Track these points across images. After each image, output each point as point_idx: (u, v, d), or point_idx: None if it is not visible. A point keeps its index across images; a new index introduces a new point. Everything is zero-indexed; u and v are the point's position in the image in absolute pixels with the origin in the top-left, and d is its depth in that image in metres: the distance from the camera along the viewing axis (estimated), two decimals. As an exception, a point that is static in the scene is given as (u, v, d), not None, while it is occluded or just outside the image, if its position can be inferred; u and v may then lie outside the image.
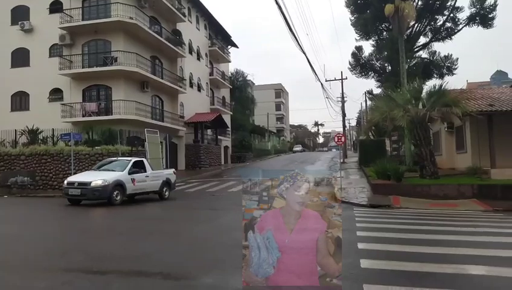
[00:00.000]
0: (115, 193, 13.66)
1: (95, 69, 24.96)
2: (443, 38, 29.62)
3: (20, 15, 26.88)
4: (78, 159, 19.66)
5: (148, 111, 26.63)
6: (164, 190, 15.68)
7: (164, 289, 4.78)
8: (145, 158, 17.21)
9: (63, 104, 24.96)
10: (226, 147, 41.54)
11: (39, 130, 22.94)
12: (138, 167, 14.96)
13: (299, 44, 20.17)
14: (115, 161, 15.68)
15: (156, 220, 11.42)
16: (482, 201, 14.01)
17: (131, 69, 24.42)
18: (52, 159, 20.53)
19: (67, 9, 25.35)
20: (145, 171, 15.13)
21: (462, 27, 28.81)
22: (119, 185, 13.85)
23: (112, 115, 24.33)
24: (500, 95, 19.73)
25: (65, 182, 14.48)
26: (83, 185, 13.64)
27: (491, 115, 17.16)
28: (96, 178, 13.72)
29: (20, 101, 27.01)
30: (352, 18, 31.05)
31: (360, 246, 6.66)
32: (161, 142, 24.95)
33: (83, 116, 24.64)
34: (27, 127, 22.97)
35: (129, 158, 15.94)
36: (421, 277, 4.93)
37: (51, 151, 20.77)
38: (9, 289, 4.91)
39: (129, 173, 14.35)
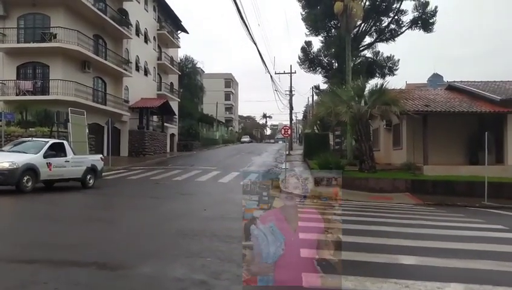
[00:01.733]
0: (25, 178, 11.86)
1: (31, 45, 23.23)
2: (387, 40, 30.93)
3: None
4: (9, 141, 18.20)
5: (89, 93, 25.30)
6: (88, 177, 14.11)
7: (99, 279, 4.52)
8: (67, 141, 15.44)
9: (-7, 80, 23.01)
10: (172, 135, 40.65)
11: (-35, 108, 21.00)
12: (57, 150, 13.26)
13: (250, 34, 20.08)
14: (29, 141, 13.91)
15: (88, 209, 10.84)
16: (414, 195, 14.94)
17: (71, 47, 23.00)
18: (-21, 139, 18.88)
19: (1, -23, 23.29)
20: (66, 156, 13.42)
21: (405, 29, 30.26)
22: (30, 169, 12.06)
23: (48, 94, 22.86)
24: (435, 97, 21.07)
25: None
26: None
27: (426, 115, 18.27)
28: (2, 160, 11.85)
29: None
30: (303, 13, 31.47)
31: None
32: (105, 125, 23.81)
33: (17, 94, 22.93)
34: (-50, 103, 20.95)
35: (46, 139, 14.18)
36: (355, 266, 5.10)
37: (-23, 131, 19.08)
38: None
39: (44, 157, 12.60)
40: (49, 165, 12.66)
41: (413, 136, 19.24)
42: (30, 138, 14.74)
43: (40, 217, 8.84)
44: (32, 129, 19.19)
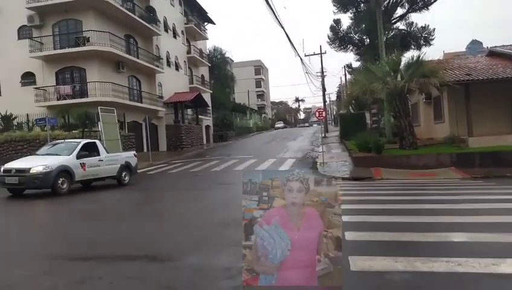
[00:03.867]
0: (60, 180, 11.96)
1: (67, 50, 24.11)
2: (420, 9, 29.62)
3: (-18, -5, 25.53)
4: (55, 144, 19.15)
5: (126, 92, 26.03)
6: (123, 174, 14.22)
7: (150, 272, 4.69)
8: (99, 140, 15.67)
9: (36, 88, 24.15)
10: (207, 126, 41.20)
11: (13, 116, 22.22)
12: (89, 150, 13.37)
13: (277, 18, 19.82)
14: (61, 143, 14.01)
15: (129, 205, 11.15)
16: (460, 169, 14.35)
17: (104, 49, 23.68)
18: (28, 145, 20.01)
19: (34, -13, 24.17)
20: (99, 155, 13.52)
21: (439, -3, 28.87)
22: (64, 171, 12.16)
23: (87, 97, 23.71)
24: (476, 65, 19.98)
25: (1, 169, 12.44)
26: (21, 172, 11.78)
27: (469, 84, 17.39)
28: (36, 164, 11.91)
29: (-10, 86, 26.00)
30: (330, -10, 30.68)
31: (344, 218, 6.65)
32: (142, 122, 24.41)
33: (58, 99, 23.94)
34: (0, 113, 22.20)
35: (78, 140, 14.34)
36: (404, 246, 5.00)
37: (26, 137, 20.23)
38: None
39: (77, 157, 12.67)
40: (82, 165, 12.77)
41: (455, 107, 18.39)
42: (62, 140, 14.99)
43: (84, 217, 9.12)
44: (75, 131, 20.03)
